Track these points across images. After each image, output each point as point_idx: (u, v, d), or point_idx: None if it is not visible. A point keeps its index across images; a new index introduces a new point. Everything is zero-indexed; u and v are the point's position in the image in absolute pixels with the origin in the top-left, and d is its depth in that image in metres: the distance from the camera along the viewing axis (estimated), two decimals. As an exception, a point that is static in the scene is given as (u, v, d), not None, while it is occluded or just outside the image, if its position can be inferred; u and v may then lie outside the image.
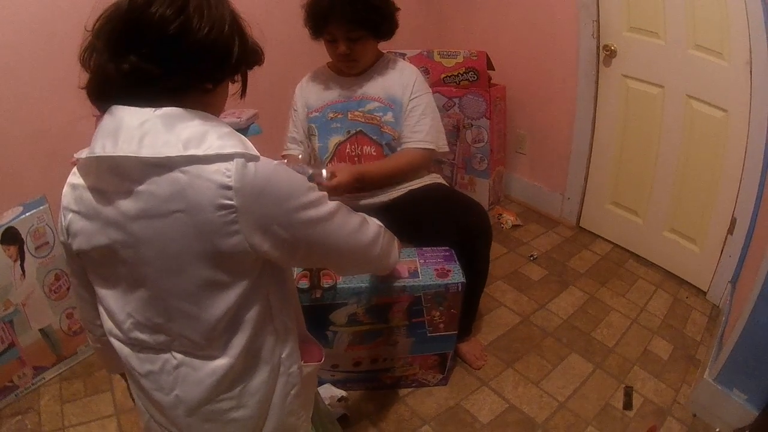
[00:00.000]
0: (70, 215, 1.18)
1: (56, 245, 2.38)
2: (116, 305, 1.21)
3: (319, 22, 2.24)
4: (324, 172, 2.11)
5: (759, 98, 2.50)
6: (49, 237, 2.36)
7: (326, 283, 2.04)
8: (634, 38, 3.04)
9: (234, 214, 1.06)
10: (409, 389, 2.42)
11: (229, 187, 1.04)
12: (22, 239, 2.27)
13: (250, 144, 1.12)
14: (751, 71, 2.50)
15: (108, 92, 1.07)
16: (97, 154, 1.05)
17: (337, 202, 1.29)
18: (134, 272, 1.14)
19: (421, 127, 2.38)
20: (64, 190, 1.20)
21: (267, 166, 1.11)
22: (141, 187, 1.05)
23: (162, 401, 1.24)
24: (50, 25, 2.61)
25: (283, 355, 1.31)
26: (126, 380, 1.44)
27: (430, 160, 2.51)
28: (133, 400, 1.41)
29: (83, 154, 1.10)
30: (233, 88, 1.26)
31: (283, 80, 2.75)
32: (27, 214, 2.29)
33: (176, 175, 1.04)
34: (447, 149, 2.52)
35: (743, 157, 2.64)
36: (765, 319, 1.96)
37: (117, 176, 1.07)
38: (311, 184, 1.22)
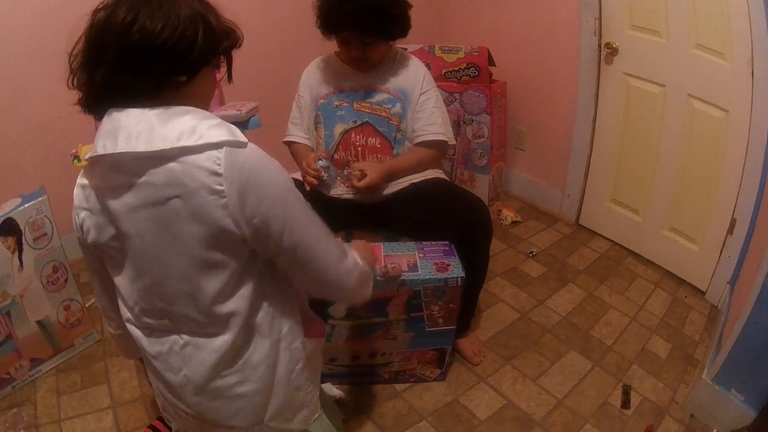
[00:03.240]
0: (82, 213, 1.28)
1: (54, 237, 2.38)
2: (126, 293, 1.31)
3: (332, 27, 2.24)
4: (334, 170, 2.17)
5: (760, 99, 2.49)
6: (47, 228, 2.35)
7: None
8: (635, 36, 3.03)
9: (224, 199, 1.13)
10: (407, 384, 2.42)
11: (219, 174, 1.12)
12: (21, 230, 2.26)
13: (239, 132, 1.19)
14: (752, 72, 2.49)
15: (95, 104, 1.18)
16: (99, 153, 1.14)
17: (319, 221, 1.33)
18: (138, 261, 1.24)
19: (435, 119, 2.41)
20: (75, 191, 1.29)
21: (256, 156, 1.19)
22: (141, 180, 1.14)
23: (172, 381, 1.33)
24: (48, 18, 2.61)
25: (284, 330, 1.38)
26: (143, 364, 1.50)
27: (446, 152, 2.55)
28: (150, 383, 1.50)
29: (87, 155, 1.20)
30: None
31: (283, 73, 2.75)
32: (26, 205, 2.28)
33: (172, 165, 1.12)
34: (455, 142, 2.54)
35: (744, 158, 2.63)
36: (764, 321, 1.95)
37: (118, 172, 1.16)
38: (292, 185, 1.27)
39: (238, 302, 1.26)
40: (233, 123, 2.52)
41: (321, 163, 2.28)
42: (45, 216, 2.33)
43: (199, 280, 1.21)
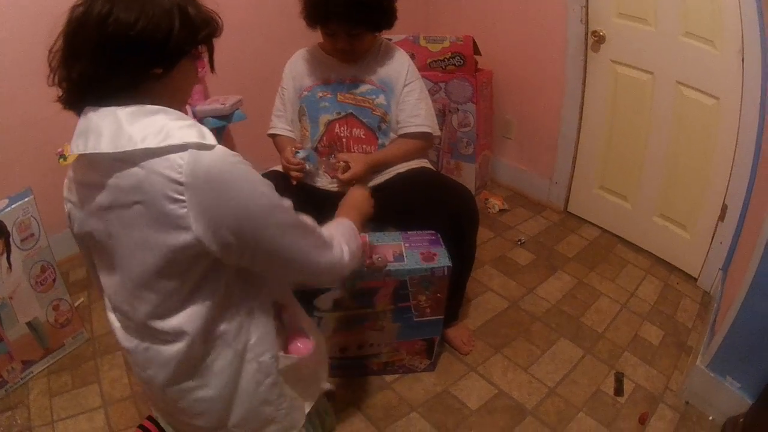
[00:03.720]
0: (68, 204, 1.31)
1: (41, 237, 2.37)
2: (105, 284, 1.34)
3: (318, 18, 2.23)
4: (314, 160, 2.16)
5: (750, 87, 2.49)
6: (34, 229, 2.34)
7: None
8: (623, 24, 3.03)
9: (185, 209, 1.09)
10: (397, 375, 2.42)
11: (179, 183, 1.08)
12: (8, 232, 2.25)
13: (209, 134, 1.14)
14: (743, 60, 2.49)
15: (74, 101, 1.17)
16: (73, 153, 1.16)
17: (295, 216, 1.27)
18: (108, 259, 1.25)
19: (419, 111, 2.40)
20: (65, 181, 1.31)
21: (222, 162, 1.12)
22: (110, 181, 1.13)
23: (141, 376, 1.36)
24: (36, 16, 2.60)
25: (251, 342, 1.33)
26: None
27: (431, 144, 2.54)
28: None
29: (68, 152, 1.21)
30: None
31: (268, 66, 2.74)
32: (12, 206, 2.27)
33: (136, 169, 1.10)
34: (440, 133, 2.53)
35: (734, 145, 2.63)
36: (758, 308, 1.95)
37: (93, 171, 1.17)
38: (267, 189, 1.20)
39: (198, 312, 1.22)
40: (217, 116, 2.55)
41: (300, 155, 2.27)
42: (32, 216, 2.32)
43: (159, 289, 1.19)
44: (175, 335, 1.24)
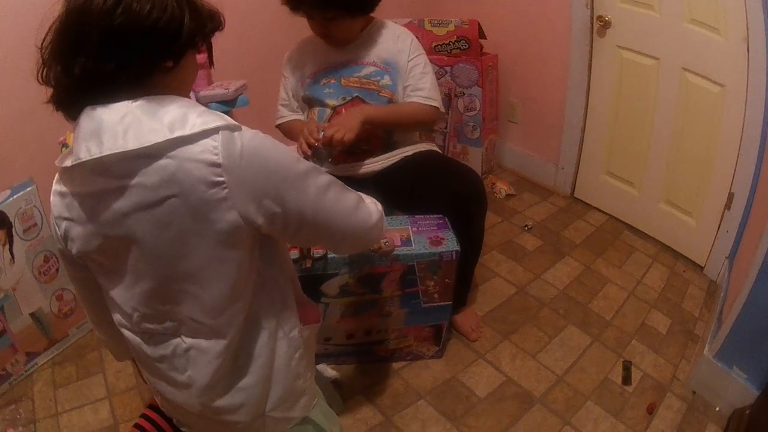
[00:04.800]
0: (64, 223, 1.20)
1: (44, 226, 2.35)
2: (122, 300, 1.24)
3: (290, 3, 2.19)
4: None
5: (756, 74, 2.47)
6: (37, 218, 2.33)
7: (317, 253, 2.01)
8: (628, 10, 3.01)
9: (226, 190, 1.08)
10: (404, 362, 2.41)
11: (218, 165, 1.06)
12: (11, 222, 2.24)
13: (229, 118, 1.12)
14: (748, 48, 2.47)
15: (70, 101, 1.10)
16: (84, 159, 1.05)
17: (330, 176, 1.29)
18: (135, 266, 1.17)
19: (424, 84, 2.36)
20: (52, 200, 1.22)
21: (254, 137, 1.13)
22: (132, 182, 1.06)
23: (178, 380, 1.30)
24: (34, 7, 2.57)
25: (281, 320, 1.35)
26: (134, 365, 1.52)
27: (435, 119, 2.47)
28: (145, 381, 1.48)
29: (67, 162, 1.11)
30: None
31: (271, 51, 2.72)
32: (14, 196, 2.26)
33: (164, 162, 1.05)
34: (443, 109, 2.49)
35: (740, 132, 2.61)
36: (765, 297, 1.93)
37: (103, 176, 1.08)
38: (299, 155, 1.23)
39: (240, 299, 1.23)
40: (221, 101, 2.53)
41: (322, 134, 2.17)
42: (34, 206, 2.31)
43: (205, 280, 1.17)
44: (221, 327, 1.23)
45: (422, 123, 2.45)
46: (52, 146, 2.42)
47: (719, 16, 2.56)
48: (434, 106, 2.37)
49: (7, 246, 2.25)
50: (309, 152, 2.15)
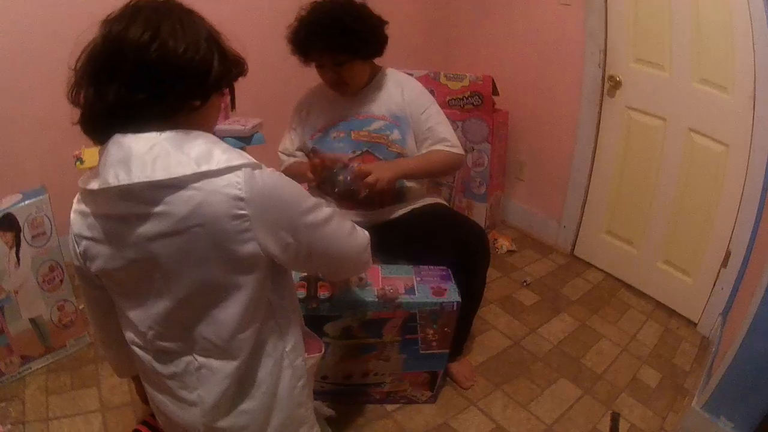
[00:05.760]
0: (84, 242, 1.24)
1: (53, 236, 2.37)
2: (138, 318, 1.28)
3: (302, 53, 2.21)
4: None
5: (760, 132, 2.53)
6: (46, 227, 2.34)
7: (323, 294, 2.04)
8: (639, 69, 3.07)
9: (247, 222, 1.14)
10: (398, 405, 2.41)
11: (241, 198, 1.12)
12: (19, 226, 2.26)
13: (250, 157, 1.18)
14: (754, 105, 2.52)
15: (100, 125, 1.13)
16: (112, 185, 1.08)
17: (332, 208, 1.37)
18: (154, 287, 1.22)
19: (445, 134, 2.35)
20: (72, 217, 1.26)
21: (271, 175, 1.20)
22: (157, 209, 1.10)
23: (186, 398, 1.32)
24: (53, 16, 2.62)
25: (287, 349, 1.39)
26: (135, 383, 1.56)
27: (461, 165, 2.49)
28: (146, 402, 1.51)
29: (93, 184, 1.13)
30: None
31: (286, 90, 2.75)
32: (26, 202, 2.28)
33: (190, 192, 1.09)
34: (463, 152, 2.46)
35: (741, 191, 2.66)
36: (756, 348, 1.97)
37: (129, 201, 1.11)
38: (307, 192, 1.31)
39: (251, 325, 1.27)
40: (237, 138, 2.57)
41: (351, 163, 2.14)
42: (45, 215, 2.33)
43: (220, 304, 1.22)
44: (232, 350, 1.27)
45: (449, 171, 2.48)
46: (66, 158, 2.44)
47: (728, 73, 2.62)
48: (460, 154, 2.38)
49: (14, 249, 2.27)
50: (312, 177, 2.18)
